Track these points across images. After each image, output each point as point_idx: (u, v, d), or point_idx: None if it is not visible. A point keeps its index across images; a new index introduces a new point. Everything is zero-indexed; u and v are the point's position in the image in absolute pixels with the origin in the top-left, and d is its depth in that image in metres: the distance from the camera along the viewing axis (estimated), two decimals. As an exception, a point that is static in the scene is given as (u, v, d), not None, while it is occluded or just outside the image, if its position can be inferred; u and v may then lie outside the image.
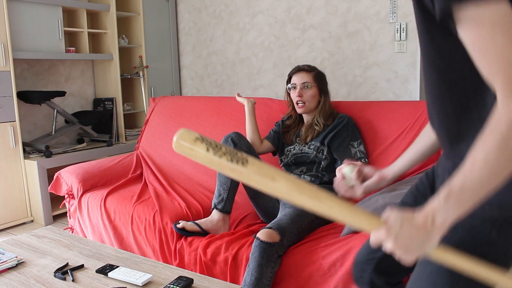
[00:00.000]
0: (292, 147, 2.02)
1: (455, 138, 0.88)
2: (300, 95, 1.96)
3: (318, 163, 1.94)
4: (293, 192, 0.74)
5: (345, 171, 1.17)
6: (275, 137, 2.12)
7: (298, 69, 2.02)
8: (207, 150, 0.71)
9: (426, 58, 0.85)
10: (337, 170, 1.19)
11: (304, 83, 1.97)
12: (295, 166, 2.00)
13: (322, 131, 1.96)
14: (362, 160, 1.92)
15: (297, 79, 1.99)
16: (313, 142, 1.97)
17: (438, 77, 0.84)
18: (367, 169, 1.18)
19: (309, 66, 2.04)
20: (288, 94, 2.06)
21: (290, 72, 2.05)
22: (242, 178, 0.73)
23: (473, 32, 0.69)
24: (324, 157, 1.93)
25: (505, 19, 0.66)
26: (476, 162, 0.70)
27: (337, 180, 1.17)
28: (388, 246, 0.75)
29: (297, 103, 1.98)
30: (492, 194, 0.74)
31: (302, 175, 1.96)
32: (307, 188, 0.75)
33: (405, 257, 0.75)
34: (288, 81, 2.05)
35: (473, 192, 0.71)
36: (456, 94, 0.83)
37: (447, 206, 0.72)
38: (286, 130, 2.09)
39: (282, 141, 2.10)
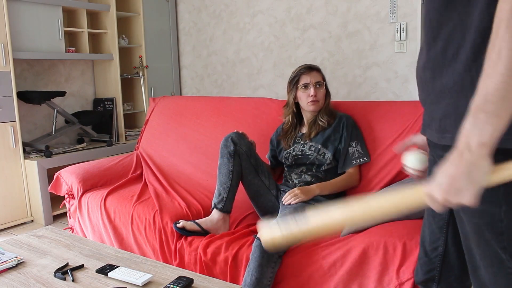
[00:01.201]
0: (291, 149, 2.02)
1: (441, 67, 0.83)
2: (315, 94, 1.94)
3: (318, 165, 1.95)
4: (350, 219, 0.82)
5: (410, 164, 1.06)
6: (274, 158, 2.16)
7: (310, 68, 1.99)
8: (281, 232, 0.83)
9: None
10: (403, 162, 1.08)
11: (317, 82, 1.97)
12: (296, 166, 2.00)
13: (326, 128, 1.96)
14: (360, 160, 1.92)
15: (309, 78, 1.96)
16: (313, 144, 1.97)
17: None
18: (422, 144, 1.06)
19: (316, 65, 2.03)
20: (294, 95, 2.02)
21: (298, 71, 2.00)
22: (313, 235, 0.84)
23: None
24: (326, 161, 1.93)
25: None
26: (492, 62, 0.64)
27: (411, 174, 1.07)
28: (439, 199, 0.71)
29: (311, 101, 1.95)
30: None
31: (303, 175, 1.96)
32: (357, 209, 0.80)
33: (461, 199, 0.69)
34: (297, 81, 1.99)
35: (501, 96, 0.64)
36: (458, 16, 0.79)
37: (477, 123, 0.67)
38: (283, 136, 2.08)
39: (280, 148, 2.10)
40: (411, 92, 2.90)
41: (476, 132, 0.67)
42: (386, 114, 2.02)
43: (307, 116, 2.04)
